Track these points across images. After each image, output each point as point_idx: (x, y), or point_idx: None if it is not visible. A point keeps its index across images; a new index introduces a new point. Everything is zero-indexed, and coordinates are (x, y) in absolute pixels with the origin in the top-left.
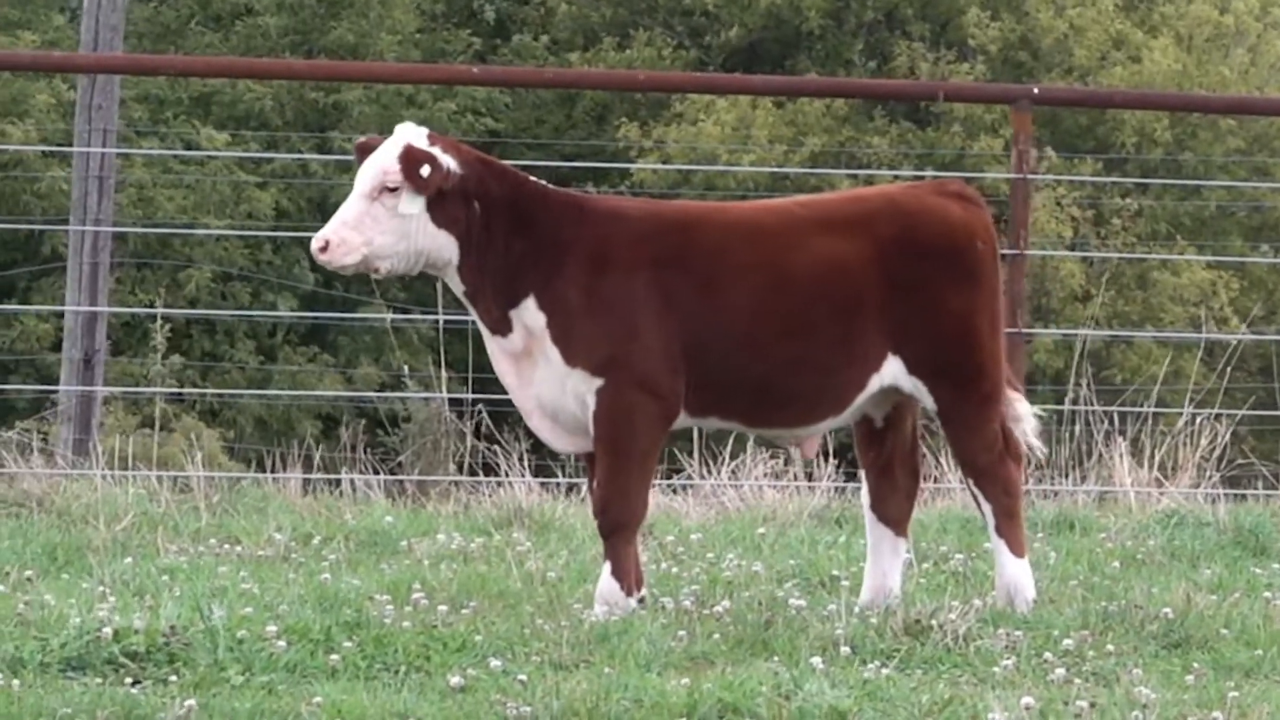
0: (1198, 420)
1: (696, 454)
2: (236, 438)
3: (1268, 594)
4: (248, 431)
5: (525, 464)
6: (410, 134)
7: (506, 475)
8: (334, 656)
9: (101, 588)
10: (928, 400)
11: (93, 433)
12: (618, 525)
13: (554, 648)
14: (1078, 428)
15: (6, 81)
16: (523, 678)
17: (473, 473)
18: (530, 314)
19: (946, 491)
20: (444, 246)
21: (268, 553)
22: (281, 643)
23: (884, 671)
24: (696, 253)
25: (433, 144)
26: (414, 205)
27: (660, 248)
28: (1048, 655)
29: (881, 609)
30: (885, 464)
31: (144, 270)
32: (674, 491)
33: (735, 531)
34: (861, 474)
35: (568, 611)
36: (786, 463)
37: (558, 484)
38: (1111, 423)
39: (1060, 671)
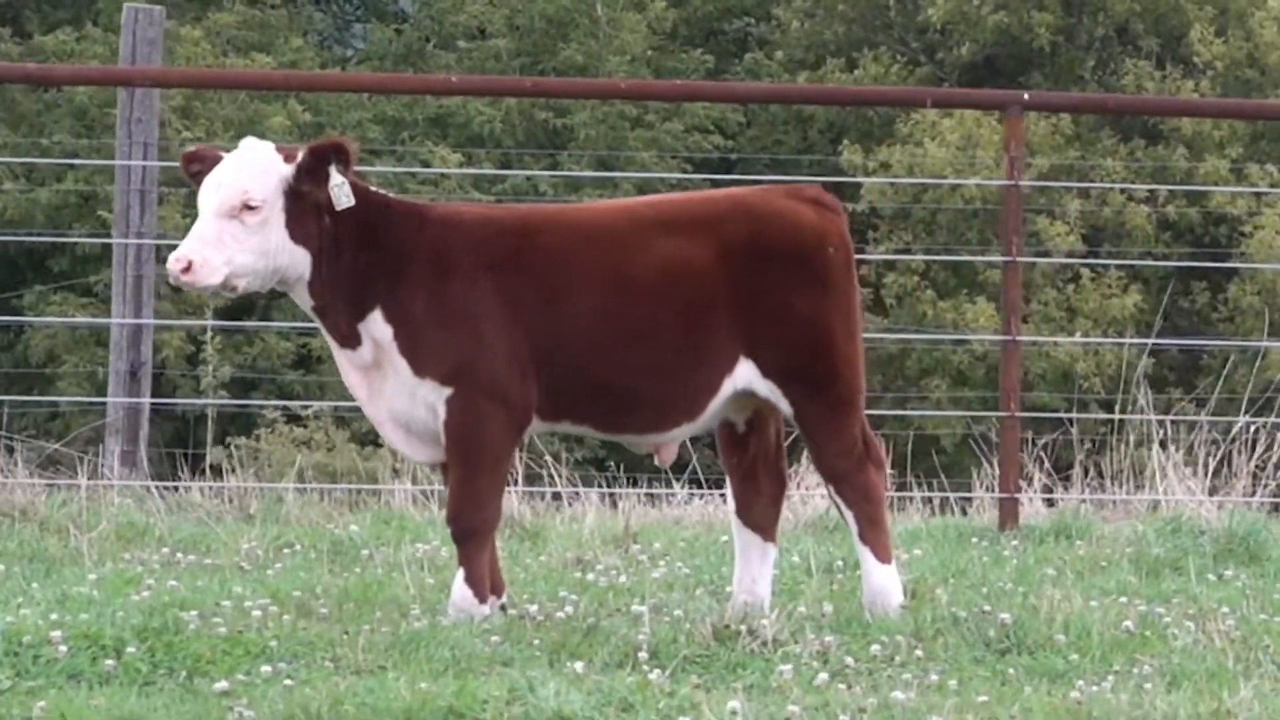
0: (1253, 429)
1: None
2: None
3: (1124, 599)
4: None
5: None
6: (257, 147)
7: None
8: (109, 662)
9: None
10: (783, 404)
11: (140, 445)
12: (470, 532)
13: (352, 653)
14: (1130, 436)
15: (243, 104)
16: (288, 682)
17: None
18: (378, 326)
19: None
20: (299, 262)
21: (220, 561)
22: (63, 648)
23: (652, 676)
24: (537, 257)
25: (285, 158)
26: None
27: (499, 253)
28: (848, 660)
29: (747, 614)
30: (749, 469)
31: None
32: (724, 500)
33: (719, 539)
34: (726, 480)
35: (416, 617)
36: None
37: (552, 493)
38: (1166, 431)
39: (824, 676)
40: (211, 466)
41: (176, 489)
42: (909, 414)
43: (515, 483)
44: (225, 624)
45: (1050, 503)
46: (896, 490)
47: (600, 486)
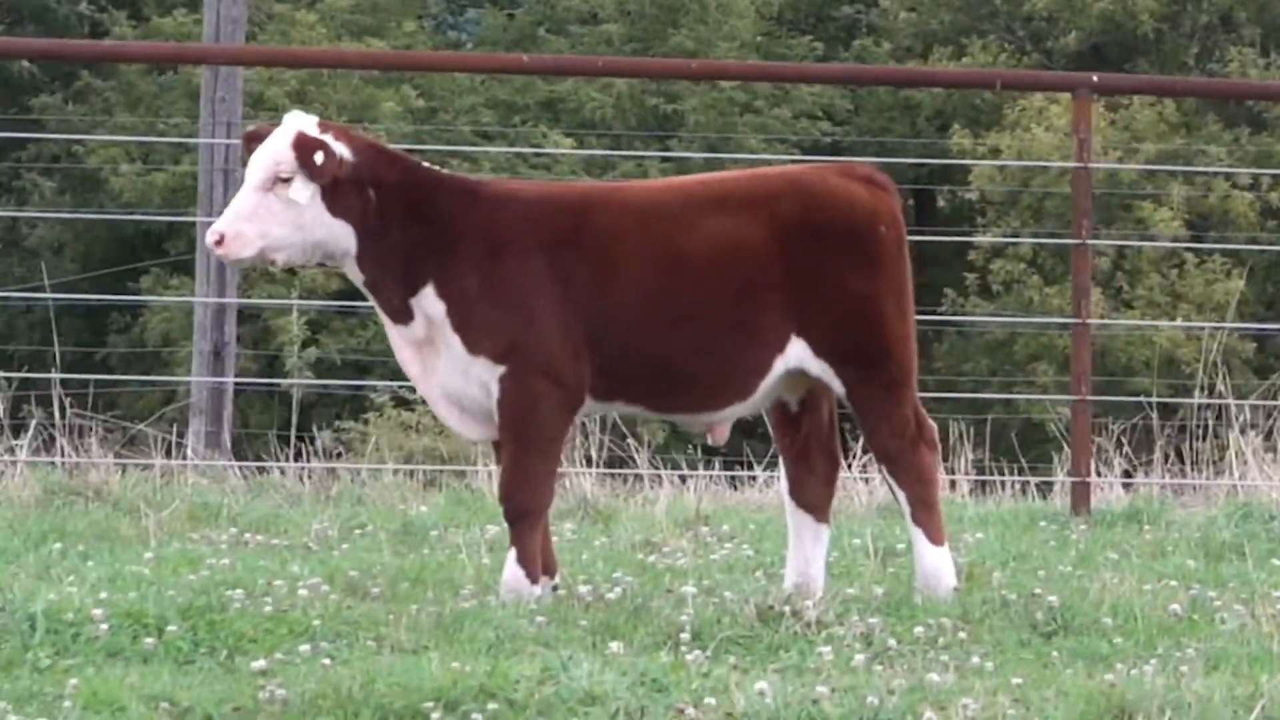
0: None
1: None
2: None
3: (1174, 584)
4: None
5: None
6: (300, 121)
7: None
8: (150, 640)
9: (17, 570)
10: (835, 384)
11: (224, 424)
12: (522, 512)
13: (395, 633)
14: (1210, 422)
15: (357, 88)
16: (327, 661)
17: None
18: (430, 302)
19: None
20: (340, 236)
21: (289, 542)
22: (104, 626)
23: (690, 657)
24: (591, 235)
25: (324, 131)
26: (305, 192)
27: (555, 230)
28: (891, 642)
29: (792, 595)
30: (802, 449)
31: None
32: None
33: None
34: (779, 460)
35: (466, 597)
36: None
37: (634, 475)
38: (1247, 417)
39: (860, 658)
40: (298, 450)
41: (263, 470)
42: (978, 397)
43: (595, 464)
44: (273, 603)
45: (1130, 488)
46: (978, 474)
47: (680, 469)
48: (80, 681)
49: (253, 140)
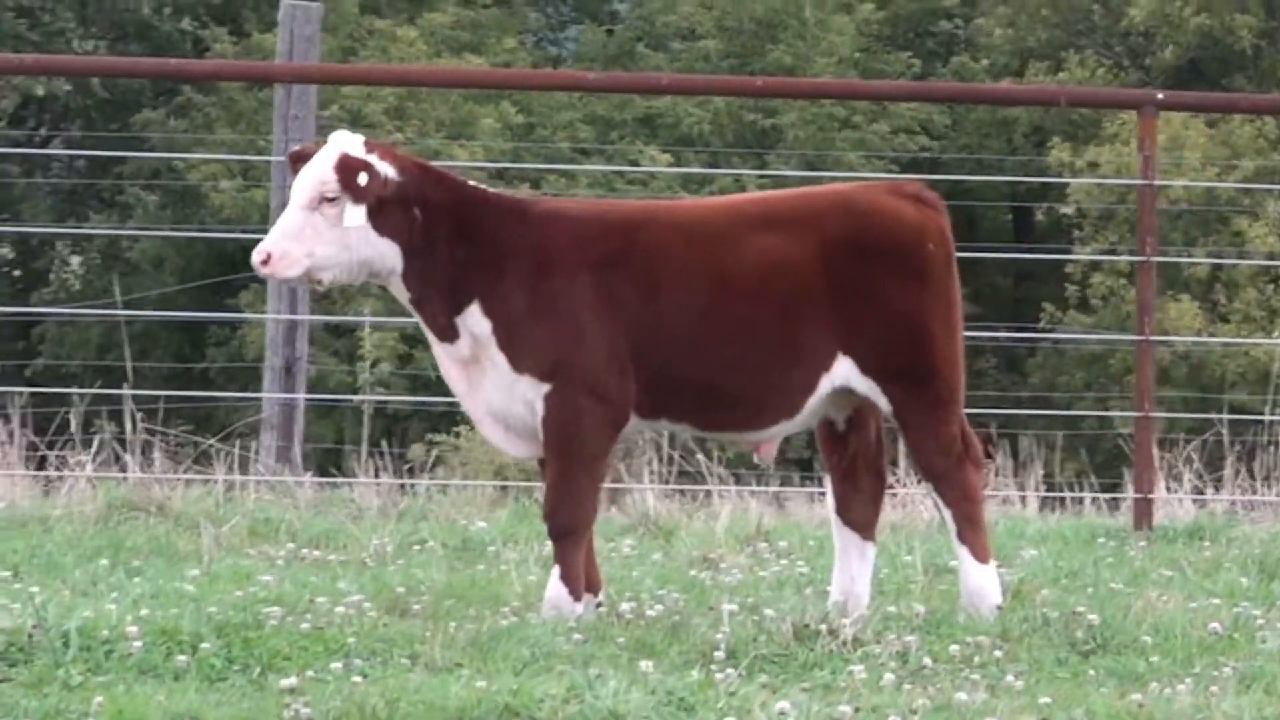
0: None
1: (900, 461)
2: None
3: (1216, 601)
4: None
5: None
6: (345, 142)
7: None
8: (182, 658)
9: (62, 586)
10: (882, 402)
11: (295, 440)
12: (566, 530)
13: (430, 650)
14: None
15: (456, 104)
16: (358, 679)
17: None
18: (476, 320)
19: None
20: (386, 255)
21: (346, 557)
22: (138, 643)
23: (721, 675)
24: (639, 253)
25: (369, 151)
26: (357, 216)
27: (603, 249)
28: (926, 661)
29: (830, 613)
30: (849, 468)
31: None
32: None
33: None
34: (826, 478)
35: (506, 615)
36: (997, 473)
37: (704, 491)
38: None
39: (890, 677)
40: (372, 465)
41: (335, 485)
42: (1042, 414)
43: (664, 479)
44: (311, 620)
45: (1202, 504)
46: (1048, 490)
47: (750, 484)
48: (106, 700)
49: (298, 160)
